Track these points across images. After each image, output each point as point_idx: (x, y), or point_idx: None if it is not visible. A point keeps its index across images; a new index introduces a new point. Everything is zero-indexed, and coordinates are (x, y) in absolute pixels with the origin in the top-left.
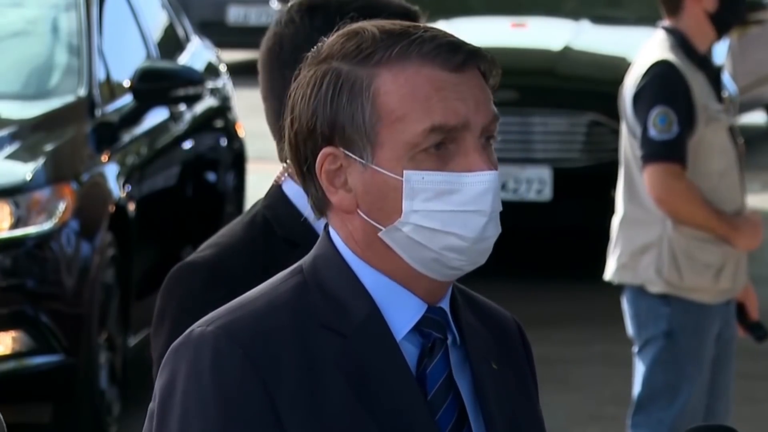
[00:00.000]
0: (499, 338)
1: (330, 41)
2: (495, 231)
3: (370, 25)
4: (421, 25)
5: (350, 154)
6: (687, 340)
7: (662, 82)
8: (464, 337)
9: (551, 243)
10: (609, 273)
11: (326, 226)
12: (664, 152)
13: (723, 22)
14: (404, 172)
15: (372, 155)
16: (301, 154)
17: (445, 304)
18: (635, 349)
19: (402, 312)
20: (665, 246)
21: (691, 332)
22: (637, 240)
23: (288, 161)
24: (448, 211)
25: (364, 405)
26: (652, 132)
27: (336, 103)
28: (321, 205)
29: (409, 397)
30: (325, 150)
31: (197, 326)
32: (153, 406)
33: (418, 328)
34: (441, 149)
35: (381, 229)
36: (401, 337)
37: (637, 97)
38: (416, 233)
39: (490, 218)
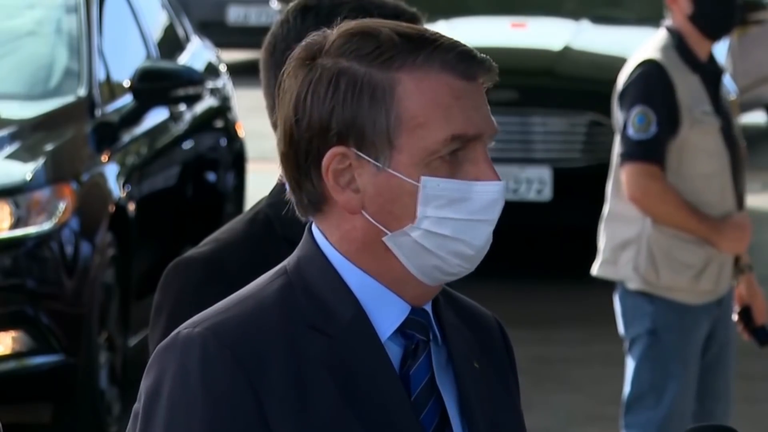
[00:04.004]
0: (481, 337)
1: (336, 39)
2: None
3: (381, 26)
4: (430, 30)
5: (363, 156)
6: (671, 338)
7: (645, 82)
8: (446, 336)
9: (551, 243)
10: (594, 268)
11: (308, 228)
12: (641, 152)
13: (704, 25)
14: (421, 177)
15: (389, 159)
16: (301, 151)
17: (427, 306)
18: (626, 347)
19: (386, 314)
20: (644, 243)
21: (675, 331)
22: (618, 236)
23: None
24: (458, 219)
25: (351, 404)
26: (630, 131)
27: (356, 105)
28: (317, 202)
29: (395, 397)
30: (336, 149)
31: (184, 328)
32: (138, 406)
33: (401, 330)
34: (453, 157)
35: (386, 233)
36: (385, 339)
37: (622, 96)
38: (425, 239)
39: (492, 227)
